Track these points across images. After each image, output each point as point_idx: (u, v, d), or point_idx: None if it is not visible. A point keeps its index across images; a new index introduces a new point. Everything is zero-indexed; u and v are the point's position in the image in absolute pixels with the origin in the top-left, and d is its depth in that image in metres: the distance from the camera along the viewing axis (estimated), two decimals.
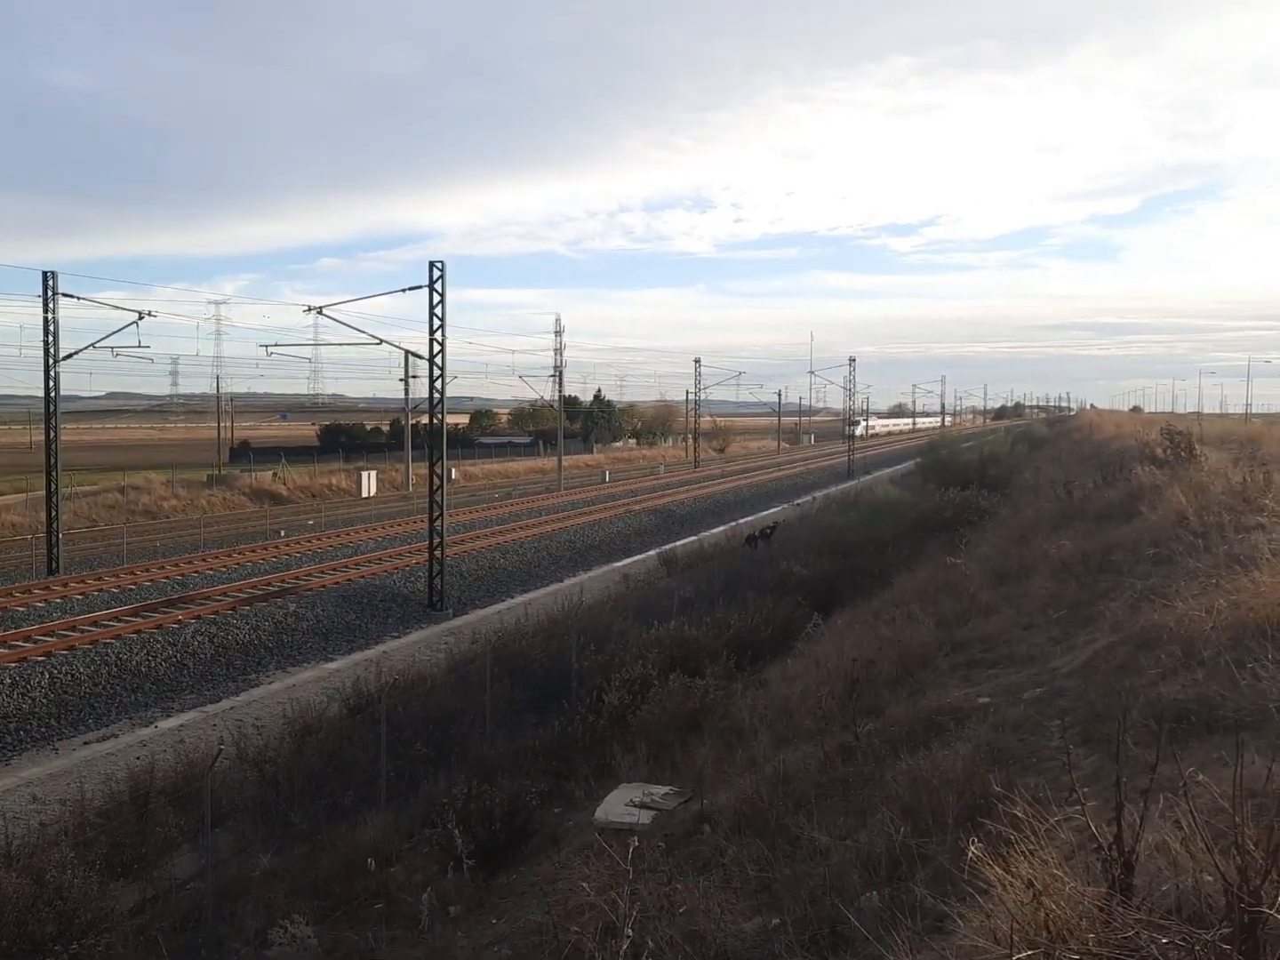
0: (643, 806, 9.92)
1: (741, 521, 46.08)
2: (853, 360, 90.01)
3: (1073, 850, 4.19)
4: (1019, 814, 4.12)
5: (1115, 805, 3.61)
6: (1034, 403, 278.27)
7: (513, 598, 31.34)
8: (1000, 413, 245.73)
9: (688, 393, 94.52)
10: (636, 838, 5.34)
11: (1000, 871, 3.68)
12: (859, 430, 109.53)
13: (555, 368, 78.25)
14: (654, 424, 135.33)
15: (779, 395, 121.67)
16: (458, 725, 15.71)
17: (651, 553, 37.67)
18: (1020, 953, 3.18)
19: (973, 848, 3.87)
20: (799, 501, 52.53)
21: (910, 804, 6.44)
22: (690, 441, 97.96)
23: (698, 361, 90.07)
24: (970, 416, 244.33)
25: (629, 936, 4.35)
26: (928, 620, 13.51)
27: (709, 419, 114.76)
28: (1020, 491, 32.44)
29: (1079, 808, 3.90)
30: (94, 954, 9.77)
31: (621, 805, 10.16)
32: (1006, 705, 8.52)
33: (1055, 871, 3.57)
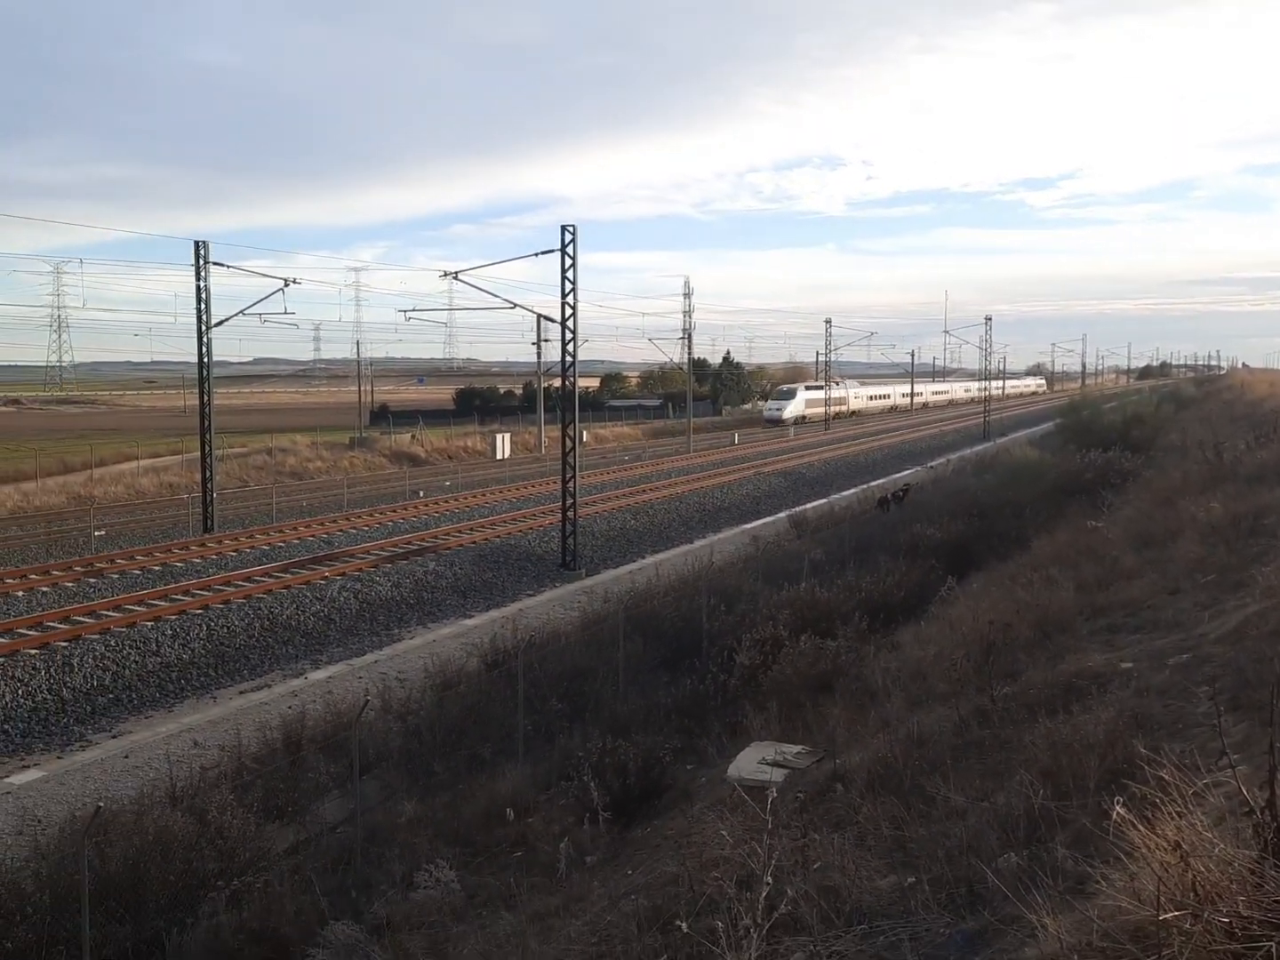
0: (775, 764, 9.99)
1: (873, 484, 45.44)
2: (988, 319, 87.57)
3: (1222, 815, 4.12)
4: (1165, 777, 4.06)
5: (1269, 770, 3.54)
6: (1181, 361, 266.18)
7: (643, 558, 31.62)
8: (1145, 372, 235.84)
9: (817, 354, 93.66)
10: (774, 790, 5.42)
11: (1146, 833, 3.64)
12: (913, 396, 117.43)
13: (684, 330, 78.54)
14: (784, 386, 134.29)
15: (912, 356, 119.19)
16: (591, 682, 16.00)
17: (781, 515, 37.50)
18: (1167, 913, 3.16)
19: (1118, 810, 3.83)
20: (933, 464, 51.58)
21: (1049, 767, 6.37)
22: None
23: (828, 322, 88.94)
24: (1113, 376, 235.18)
25: (768, 884, 4.44)
26: (1067, 584, 13.19)
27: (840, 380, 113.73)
28: (1166, 453, 31.26)
29: (1229, 772, 3.83)
30: (253, 891, 10.24)
31: (754, 763, 10.25)
32: (1151, 671, 8.32)
33: (1204, 834, 3.52)
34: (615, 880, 9.11)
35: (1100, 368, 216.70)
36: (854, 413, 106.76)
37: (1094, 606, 11.75)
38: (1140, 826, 3.71)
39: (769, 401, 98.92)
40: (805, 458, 59.85)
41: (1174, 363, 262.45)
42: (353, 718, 13.08)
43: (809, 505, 38.84)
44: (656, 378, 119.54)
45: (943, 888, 5.51)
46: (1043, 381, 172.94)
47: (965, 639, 11.59)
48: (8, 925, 9.26)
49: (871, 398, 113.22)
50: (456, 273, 33.23)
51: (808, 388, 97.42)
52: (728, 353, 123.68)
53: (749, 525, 36.67)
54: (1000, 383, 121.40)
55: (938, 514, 28.00)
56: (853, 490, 43.48)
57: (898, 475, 49.30)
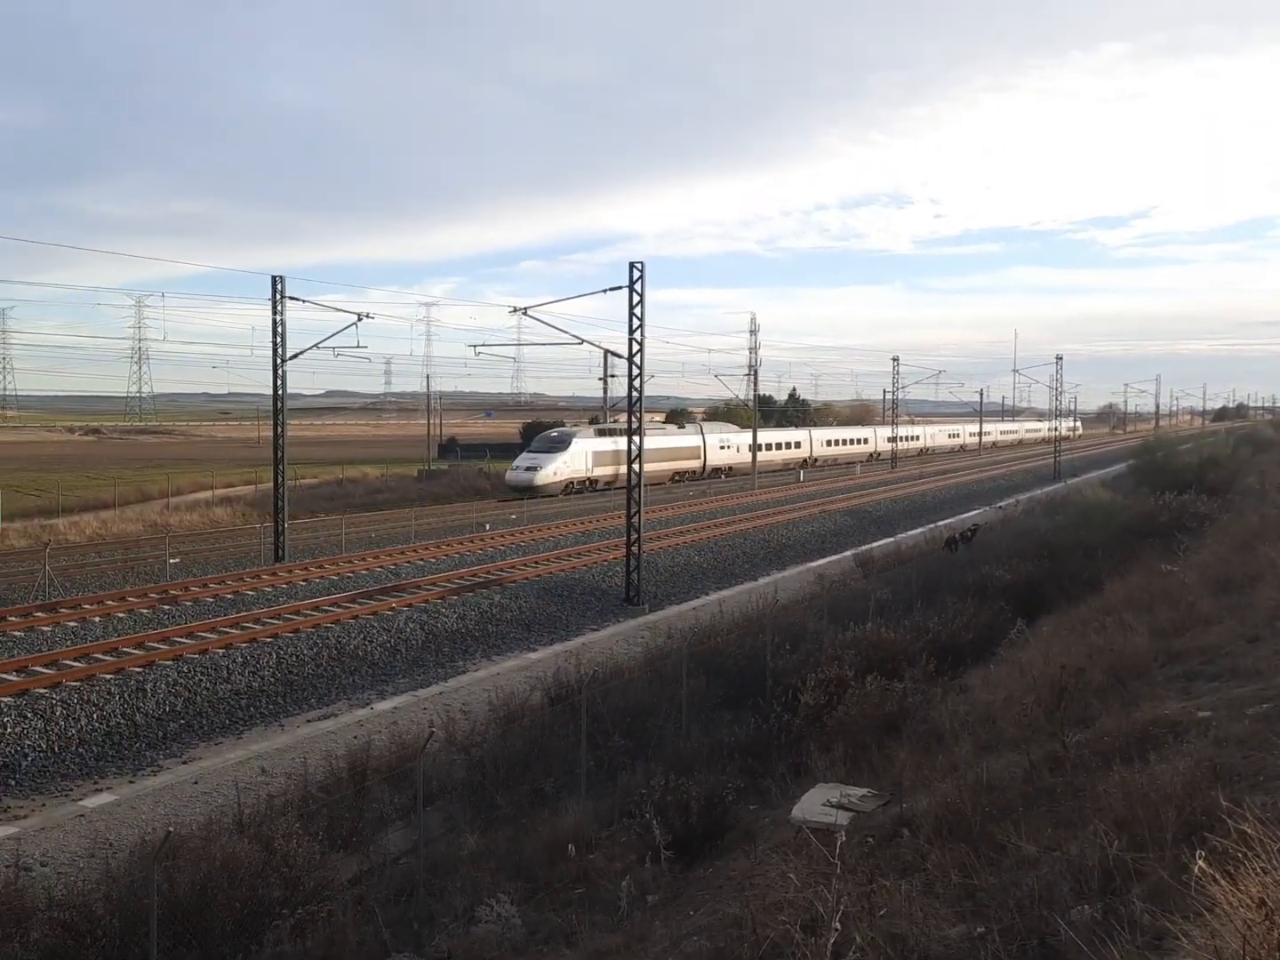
0: (840, 807, 9.86)
1: (940, 524, 44.97)
2: (1059, 359, 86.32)
3: None
4: (1248, 831, 3.95)
5: None
6: (1259, 403, 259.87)
7: (707, 595, 31.52)
8: (1221, 414, 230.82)
9: (885, 391, 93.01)
10: (843, 834, 5.36)
11: (1229, 889, 3.55)
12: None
13: (750, 366, 78.68)
14: (850, 423, 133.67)
15: (980, 395, 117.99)
16: (654, 718, 15.94)
17: (847, 553, 37.22)
18: None
19: (1199, 863, 3.74)
20: (1001, 504, 50.91)
21: (1124, 817, 6.22)
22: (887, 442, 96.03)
23: (896, 359, 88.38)
24: (1188, 418, 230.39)
25: (836, 930, 4.38)
26: (1141, 629, 12.92)
27: (907, 418, 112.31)
28: (1244, 496, 30.57)
29: None
30: (317, 920, 10.27)
31: (819, 805, 10.13)
32: (1229, 720, 8.10)
33: None
34: (677, 920, 9.03)
35: (1174, 409, 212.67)
36: (875, 455, 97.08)
37: (1169, 652, 11.50)
38: (1222, 881, 3.61)
39: (521, 455, 62.02)
40: (871, 496, 59.36)
41: (1251, 404, 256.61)
42: (417, 749, 13.16)
43: (875, 544, 38.48)
44: (722, 413, 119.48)
45: (1014, 939, 5.40)
46: (1077, 425, 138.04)
47: (1036, 683, 11.38)
48: (79, 948, 9.39)
49: (901, 439, 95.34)
50: (526, 308, 33.58)
51: (599, 430, 64.26)
52: (793, 390, 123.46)
53: (814, 563, 36.44)
54: (1008, 425, 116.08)
55: (1007, 555, 27.63)
56: (919, 529, 43.06)
57: (965, 515, 48.72)
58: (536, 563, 34.81)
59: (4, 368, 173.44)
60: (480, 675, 21.88)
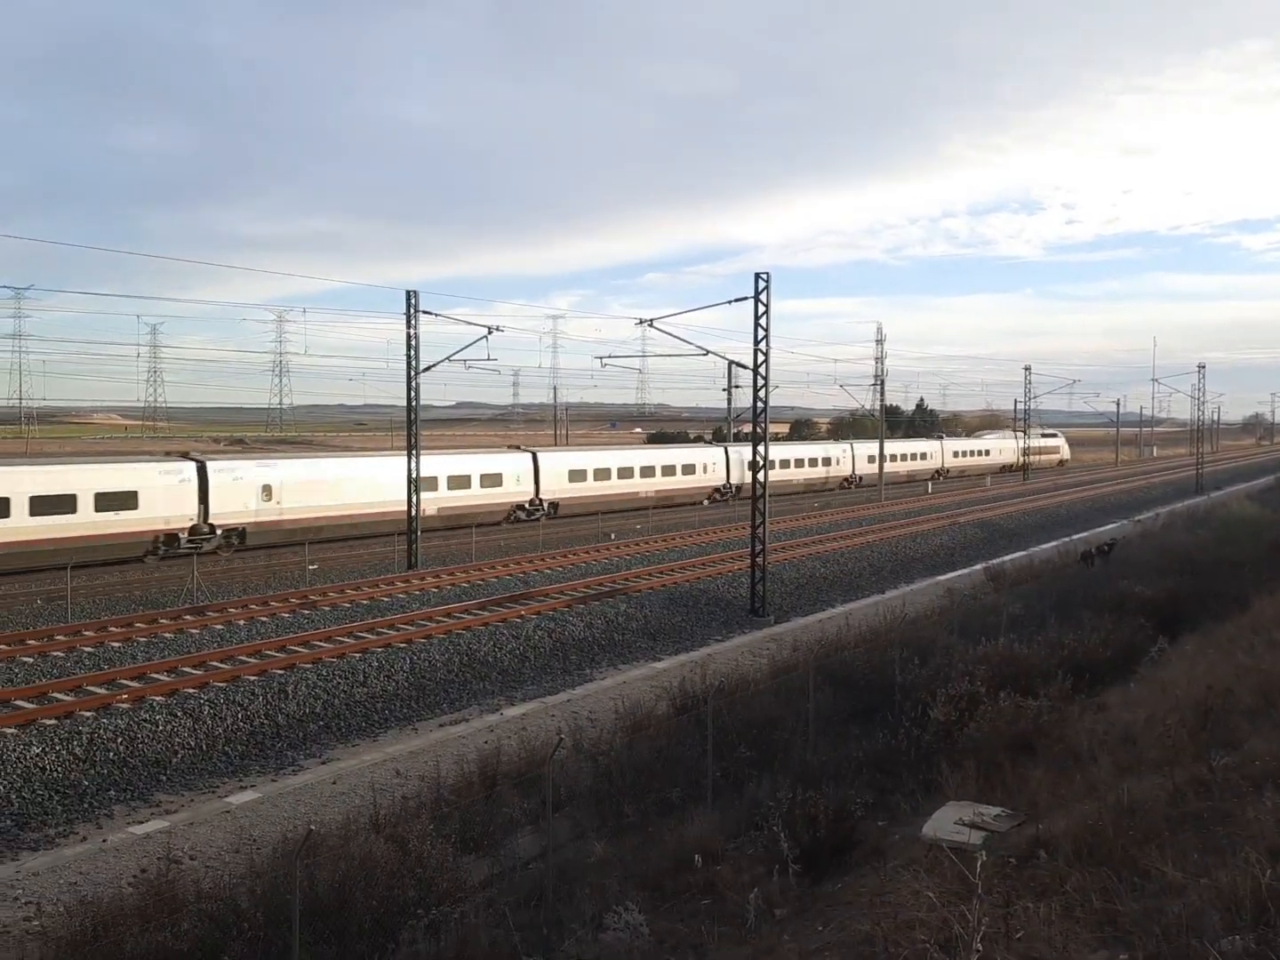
0: (973, 826, 9.69)
1: (1075, 537, 43.74)
2: (1202, 367, 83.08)
3: None
4: None
5: None
6: None
7: (833, 607, 31.24)
8: None
9: (1016, 401, 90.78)
10: (983, 853, 5.28)
11: None
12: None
13: (876, 376, 77.74)
14: (979, 434, 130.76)
15: (1117, 404, 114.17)
16: (780, 731, 15.86)
17: (977, 567, 36.49)
18: None
19: None
20: (1140, 518, 49.27)
21: (1278, 844, 5.99)
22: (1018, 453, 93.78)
23: (1028, 369, 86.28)
24: None
25: (978, 951, 4.32)
26: None
27: (1038, 429, 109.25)
28: None
29: None
30: (450, 921, 10.50)
31: (950, 823, 9.97)
32: None
33: None
34: (806, 935, 8.99)
35: None
36: (1009, 466, 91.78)
37: None
38: None
39: None
40: (1003, 508, 58.01)
41: None
42: (546, 755, 13.34)
43: (1006, 558, 37.62)
44: (847, 424, 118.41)
45: None
46: (1059, 443, 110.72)
47: (1179, 703, 11.02)
48: (225, 939, 9.76)
49: (1035, 451, 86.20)
50: (651, 320, 33.79)
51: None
52: (921, 400, 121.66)
53: (943, 577, 35.79)
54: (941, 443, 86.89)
55: (1146, 570, 26.76)
56: (1053, 543, 41.93)
57: (1101, 529, 47.27)
58: (661, 572, 34.97)
59: (155, 381, 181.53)
60: (607, 684, 22.08)
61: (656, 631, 28.23)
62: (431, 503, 43.49)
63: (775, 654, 22.66)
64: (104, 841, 13.87)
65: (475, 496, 47.68)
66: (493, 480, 48.73)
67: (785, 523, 49.07)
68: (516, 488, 50.34)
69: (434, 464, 44.56)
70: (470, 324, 38.04)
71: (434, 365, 37.78)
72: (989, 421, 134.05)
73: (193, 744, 18.35)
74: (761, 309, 30.06)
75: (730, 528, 47.65)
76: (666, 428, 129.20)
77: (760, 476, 31.16)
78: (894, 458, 75.09)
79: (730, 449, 65.65)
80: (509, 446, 56.56)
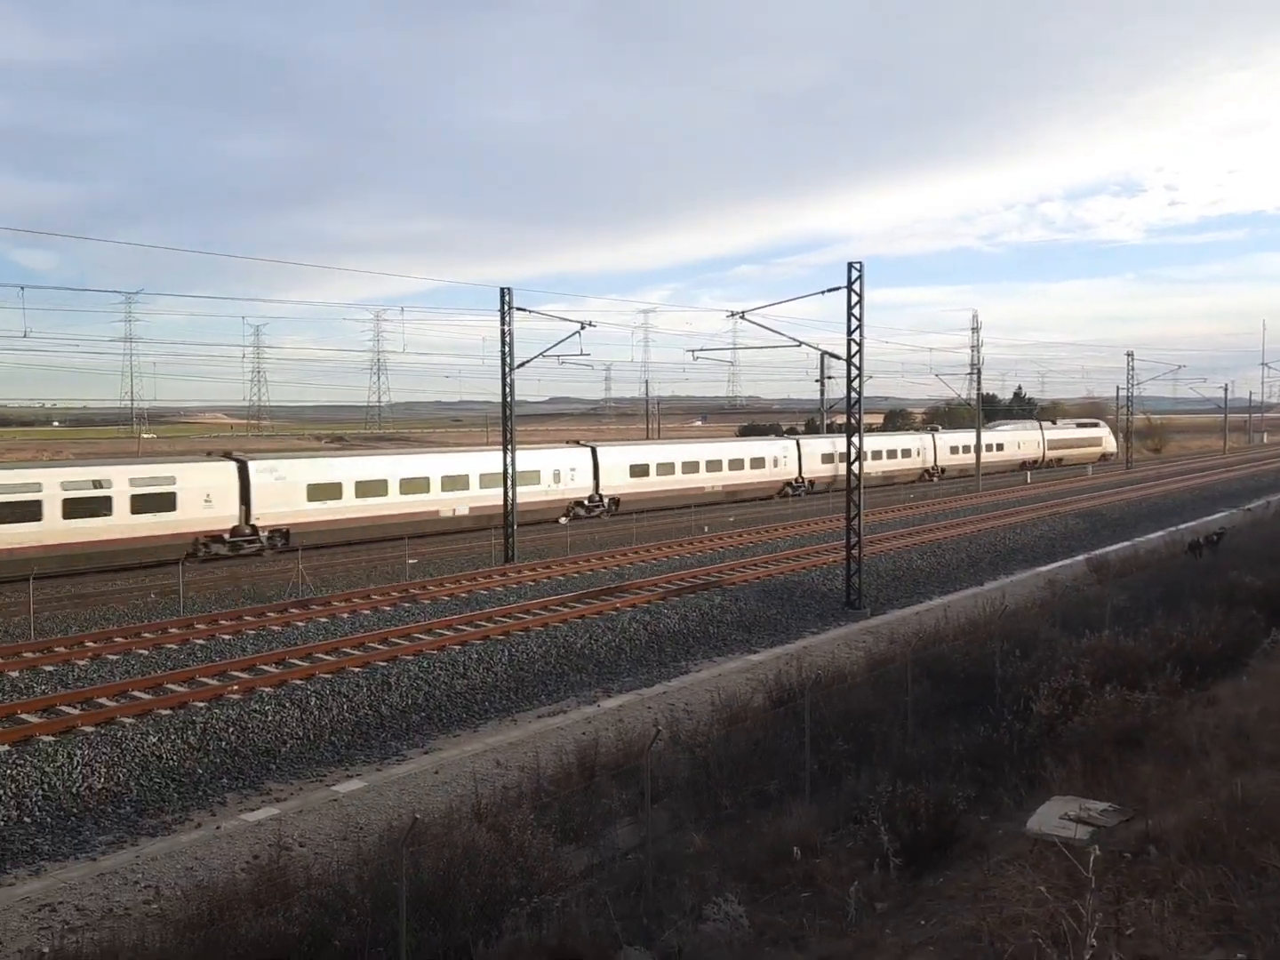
0: (1079, 821, 9.53)
1: (1182, 527, 42.53)
2: None
3: None
4: None
5: None
6: None
7: (930, 599, 30.83)
8: None
9: (1118, 389, 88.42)
10: (1096, 848, 5.20)
11: None
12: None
13: (972, 364, 76.48)
14: (1081, 422, 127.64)
15: (1225, 390, 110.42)
16: (877, 724, 15.75)
17: (1079, 558, 35.67)
18: None
19: None
20: (1250, 506, 47.70)
21: None
22: (1121, 440, 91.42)
23: (1130, 355, 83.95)
24: None
25: (1092, 946, 4.27)
26: None
27: (1142, 416, 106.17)
28: None
29: None
30: (551, 910, 10.65)
31: (1055, 818, 9.82)
32: None
33: None
34: (907, 930, 8.94)
35: None
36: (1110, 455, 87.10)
37: None
38: None
39: None
40: (1105, 498, 56.64)
41: None
42: (643, 747, 13.43)
43: (1110, 548, 36.80)
44: (942, 414, 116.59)
45: None
46: (1101, 433, 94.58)
47: None
48: (334, 924, 10.02)
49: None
50: (743, 312, 33.70)
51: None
52: (1019, 388, 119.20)
53: (1043, 568, 35.09)
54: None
55: (1257, 560, 25.97)
56: (1159, 533, 40.92)
57: (1209, 518, 45.94)
58: (755, 565, 34.90)
59: (258, 381, 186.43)
60: (702, 676, 22.12)
61: (751, 624, 28.18)
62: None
63: (872, 647, 22.51)
64: (218, 828, 14.33)
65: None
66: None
67: (881, 514, 48.57)
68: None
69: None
70: (563, 319, 38.34)
71: (528, 361, 38.17)
72: (1090, 409, 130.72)
73: (300, 734, 18.86)
74: (854, 299, 29.76)
75: (825, 519, 47.41)
76: (758, 420, 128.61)
77: (855, 468, 30.88)
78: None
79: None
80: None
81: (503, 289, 35.72)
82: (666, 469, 54.11)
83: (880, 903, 10.21)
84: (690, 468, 55.47)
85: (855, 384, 30.48)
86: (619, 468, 51.07)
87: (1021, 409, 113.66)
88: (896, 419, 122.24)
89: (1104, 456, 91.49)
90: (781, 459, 61.21)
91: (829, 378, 74.86)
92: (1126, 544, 38.40)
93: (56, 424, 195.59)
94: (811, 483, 62.16)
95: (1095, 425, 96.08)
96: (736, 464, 58.18)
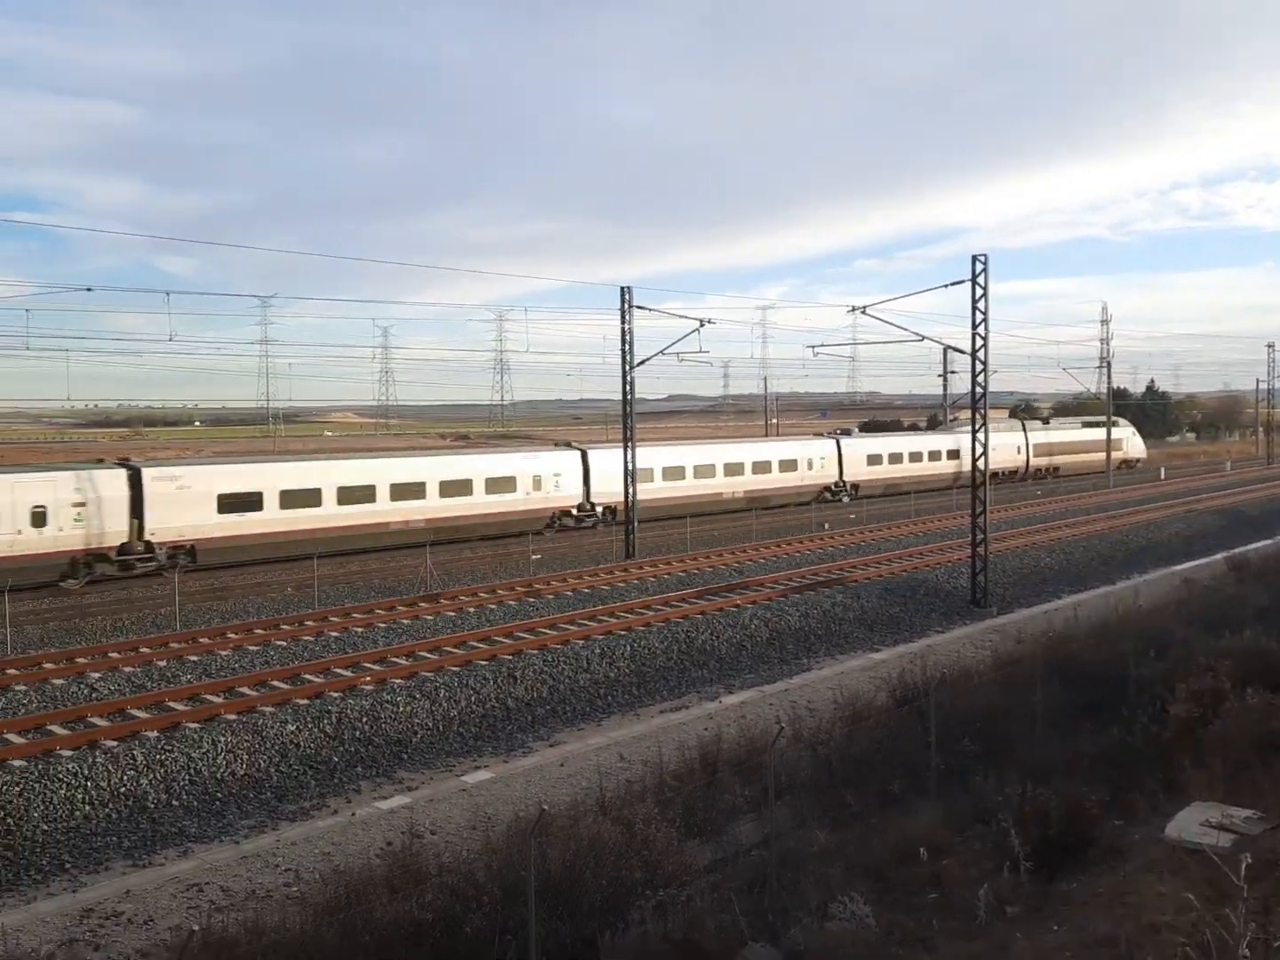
0: (1221, 828, 9.25)
1: None
2: None
3: None
4: None
5: None
6: None
7: (1059, 598, 30.13)
8: None
9: (1258, 381, 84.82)
10: (1248, 856, 5.07)
11: None
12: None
13: (1101, 358, 74.14)
14: (1216, 417, 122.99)
15: None
16: (1004, 724, 15.46)
17: (1217, 556, 34.42)
18: None
19: None
20: None
21: None
22: (1261, 435, 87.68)
23: (1270, 346, 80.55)
24: None
25: (1245, 957, 4.17)
26: None
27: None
28: None
29: None
30: (676, 903, 10.73)
31: (1195, 824, 9.54)
32: None
33: None
34: (1040, 935, 8.79)
35: None
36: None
37: None
38: None
39: None
40: (1244, 495, 54.57)
41: None
42: (765, 744, 13.45)
43: (1250, 547, 35.45)
44: (1070, 409, 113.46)
45: None
46: (1122, 434, 76.72)
47: None
48: (465, 911, 10.25)
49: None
50: (864, 307, 33.34)
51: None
52: (1151, 381, 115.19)
53: (1179, 567, 33.99)
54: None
55: None
56: None
57: None
58: (877, 562, 34.57)
59: (387, 380, 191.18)
60: (824, 673, 22.01)
61: (873, 622, 27.92)
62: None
63: (998, 646, 22.11)
64: (353, 815, 14.82)
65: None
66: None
67: (1007, 511, 47.64)
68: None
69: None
70: (682, 317, 38.50)
71: (648, 359, 38.43)
72: (1228, 404, 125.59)
73: (430, 724, 19.36)
74: (979, 292, 29.25)
75: (949, 517, 46.69)
76: (878, 415, 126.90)
77: (981, 464, 30.31)
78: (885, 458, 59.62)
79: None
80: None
81: (623, 288, 36.11)
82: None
83: (1010, 906, 10.05)
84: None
85: (980, 379, 29.92)
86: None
87: (1154, 403, 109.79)
88: (1022, 414, 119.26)
89: (1125, 463, 75.35)
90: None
91: (952, 372, 73.52)
92: (1269, 542, 36.97)
93: (198, 424, 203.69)
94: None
95: (1113, 424, 76.15)
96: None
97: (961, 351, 31.04)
